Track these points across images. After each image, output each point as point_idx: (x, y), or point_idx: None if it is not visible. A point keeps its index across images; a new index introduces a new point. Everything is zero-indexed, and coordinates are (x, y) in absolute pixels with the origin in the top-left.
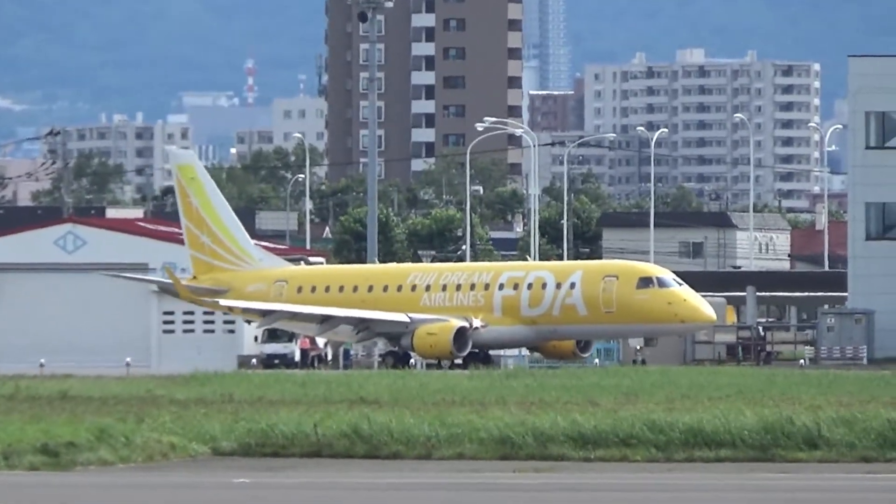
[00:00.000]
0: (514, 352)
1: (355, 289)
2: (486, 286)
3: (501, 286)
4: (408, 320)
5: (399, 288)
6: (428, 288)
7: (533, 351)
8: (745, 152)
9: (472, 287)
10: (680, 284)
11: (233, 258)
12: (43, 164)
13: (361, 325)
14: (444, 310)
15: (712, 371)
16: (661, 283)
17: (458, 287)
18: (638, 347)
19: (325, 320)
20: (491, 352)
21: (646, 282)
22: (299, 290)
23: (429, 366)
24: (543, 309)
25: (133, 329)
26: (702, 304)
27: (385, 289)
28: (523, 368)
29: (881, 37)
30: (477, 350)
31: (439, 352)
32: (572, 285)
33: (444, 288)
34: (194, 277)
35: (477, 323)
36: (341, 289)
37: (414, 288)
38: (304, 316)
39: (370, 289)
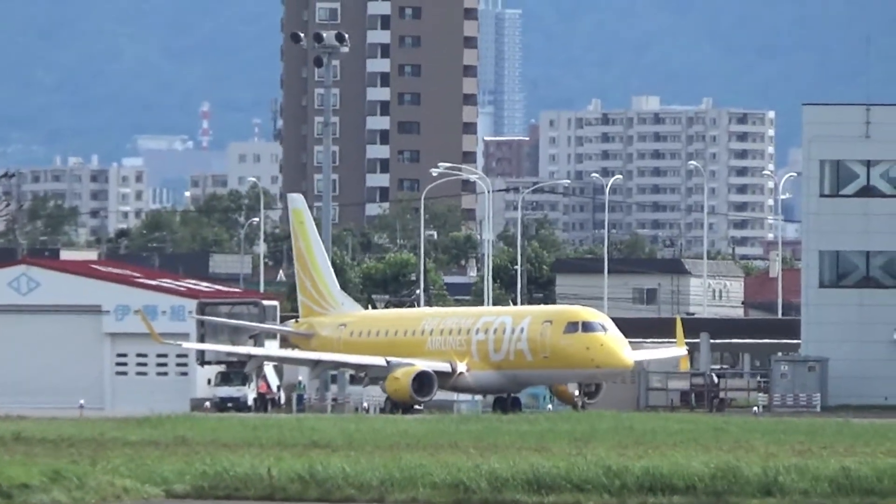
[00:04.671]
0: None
1: (386, 333)
2: (468, 331)
3: (478, 331)
4: (385, 364)
5: (414, 332)
6: (432, 332)
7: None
8: (699, 199)
9: (459, 332)
10: (605, 329)
11: (324, 302)
12: None
13: (360, 369)
14: (438, 354)
15: (665, 417)
16: (586, 328)
17: (451, 331)
18: (576, 393)
19: (317, 364)
20: (446, 396)
21: (573, 326)
22: (352, 333)
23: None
24: (503, 354)
25: (86, 371)
26: (620, 350)
27: (405, 333)
28: (476, 413)
29: (836, 85)
30: (505, 395)
31: (400, 396)
32: (521, 330)
33: (442, 332)
34: (296, 321)
35: (461, 367)
36: (377, 333)
37: (423, 332)
38: (294, 360)
39: (396, 333)
